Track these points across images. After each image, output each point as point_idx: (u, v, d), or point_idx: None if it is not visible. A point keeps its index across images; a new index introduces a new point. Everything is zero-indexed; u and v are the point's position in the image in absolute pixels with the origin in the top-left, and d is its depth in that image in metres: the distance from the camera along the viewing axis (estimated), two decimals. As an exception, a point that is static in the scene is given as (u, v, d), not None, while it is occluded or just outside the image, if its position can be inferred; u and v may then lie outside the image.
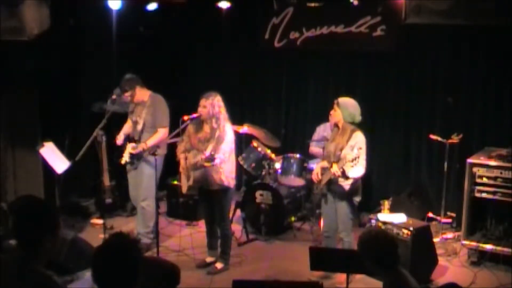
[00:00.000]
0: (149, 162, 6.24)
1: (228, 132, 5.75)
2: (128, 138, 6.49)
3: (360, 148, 5.30)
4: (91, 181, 7.75)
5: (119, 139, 6.50)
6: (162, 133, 6.31)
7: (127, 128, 6.60)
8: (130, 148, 6.35)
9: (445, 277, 5.94)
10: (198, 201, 6.96)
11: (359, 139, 5.46)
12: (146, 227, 6.45)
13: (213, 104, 5.68)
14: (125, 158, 6.39)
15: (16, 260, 2.75)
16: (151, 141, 6.24)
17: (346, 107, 5.55)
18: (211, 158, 5.46)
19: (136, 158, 6.34)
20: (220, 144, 5.64)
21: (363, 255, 3.61)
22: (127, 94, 6.35)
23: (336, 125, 5.69)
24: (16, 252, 2.79)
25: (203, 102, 5.72)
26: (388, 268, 3.54)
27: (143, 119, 6.36)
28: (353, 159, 5.19)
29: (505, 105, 7.03)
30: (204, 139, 5.77)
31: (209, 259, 6.14)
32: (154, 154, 5.92)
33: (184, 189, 6.00)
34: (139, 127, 6.37)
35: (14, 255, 2.82)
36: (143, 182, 6.34)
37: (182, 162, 5.87)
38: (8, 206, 6.26)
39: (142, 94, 6.41)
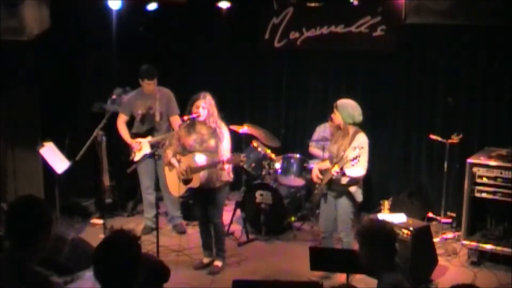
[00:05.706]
0: None
1: (225, 130, 5.83)
2: (135, 134, 6.75)
3: (362, 148, 5.27)
4: (91, 181, 7.74)
5: (135, 141, 6.69)
6: (179, 120, 6.50)
7: (137, 127, 6.78)
8: (147, 141, 6.62)
9: (445, 277, 5.94)
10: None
11: (361, 140, 5.44)
12: (178, 210, 7.17)
13: (211, 104, 5.73)
14: (144, 151, 6.62)
15: (9, 260, 2.75)
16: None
17: (345, 108, 5.53)
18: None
19: (157, 147, 6.40)
20: (222, 143, 5.71)
21: (368, 243, 3.44)
22: (152, 82, 6.63)
23: (338, 127, 5.68)
24: (9, 251, 2.79)
25: (200, 103, 5.70)
26: (389, 257, 3.45)
27: (158, 111, 6.67)
28: (353, 158, 5.18)
29: (505, 105, 7.02)
30: (201, 140, 5.75)
31: (206, 260, 6.12)
32: (154, 154, 5.97)
33: (177, 193, 5.93)
34: (158, 118, 6.69)
35: (7, 255, 2.81)
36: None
37: (176, 165, 5.77)
38: (8, 206, 6.27)
39: (155, 86, 6.74)
